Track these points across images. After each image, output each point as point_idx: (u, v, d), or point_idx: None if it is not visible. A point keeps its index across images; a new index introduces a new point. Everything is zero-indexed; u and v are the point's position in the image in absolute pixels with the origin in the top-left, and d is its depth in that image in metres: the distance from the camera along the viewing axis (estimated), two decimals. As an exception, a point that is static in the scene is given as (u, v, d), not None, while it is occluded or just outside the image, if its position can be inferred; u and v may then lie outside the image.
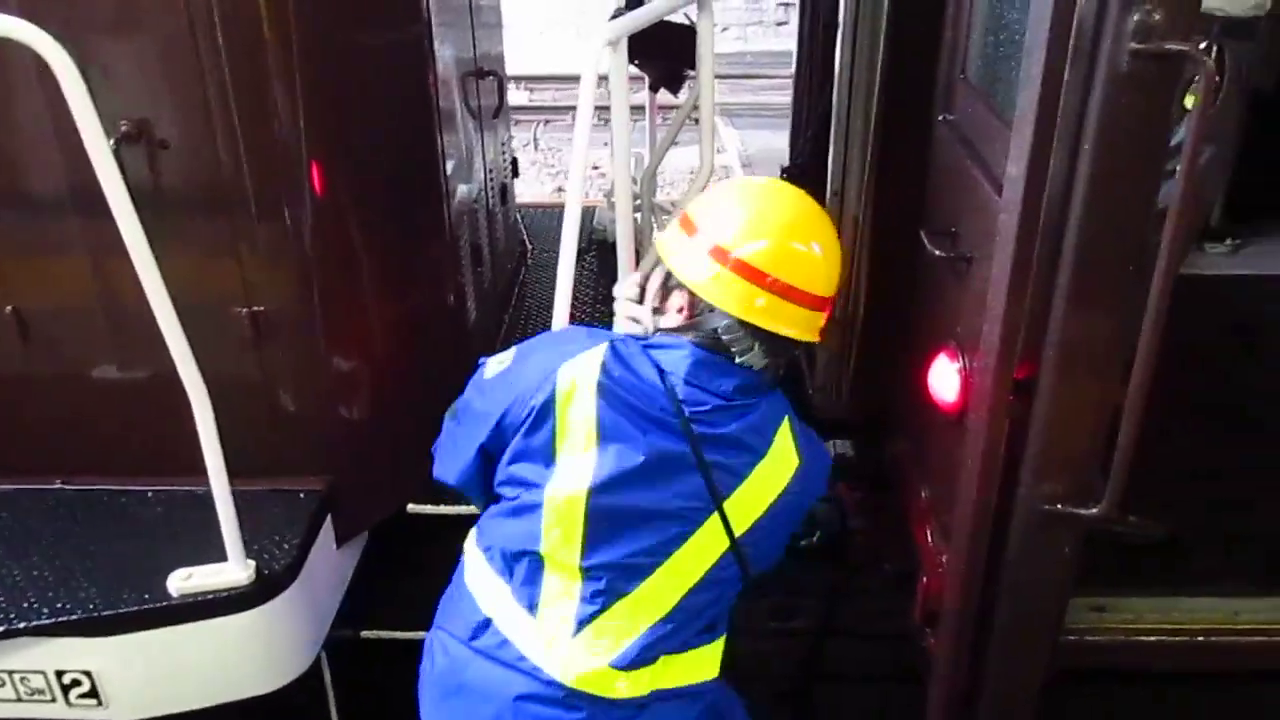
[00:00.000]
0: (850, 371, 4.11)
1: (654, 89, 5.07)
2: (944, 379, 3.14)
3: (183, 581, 2.95)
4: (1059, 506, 2.69)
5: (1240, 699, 3.28)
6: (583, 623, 2.36)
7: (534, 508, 2.33)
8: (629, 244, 3.04)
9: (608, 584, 2.34)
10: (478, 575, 2.51)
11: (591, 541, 2.31)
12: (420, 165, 3.55)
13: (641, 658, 2.38)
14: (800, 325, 2.40)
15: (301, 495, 3.29)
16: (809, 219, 2.45)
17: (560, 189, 11.04)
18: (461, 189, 3.96)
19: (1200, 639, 3.21)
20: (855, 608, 4.64)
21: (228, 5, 2.74)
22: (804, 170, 4.81)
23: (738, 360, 2.35)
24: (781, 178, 4.95)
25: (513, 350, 2.51)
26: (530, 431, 2.32)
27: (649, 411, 2.28)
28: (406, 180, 3.47)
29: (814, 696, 4.62)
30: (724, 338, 2.33)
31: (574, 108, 5.25)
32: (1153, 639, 3.22)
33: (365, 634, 3.69)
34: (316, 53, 2.90)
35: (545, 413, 2.30)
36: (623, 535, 2.31)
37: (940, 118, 3.52)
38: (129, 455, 3.34)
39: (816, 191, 4.15)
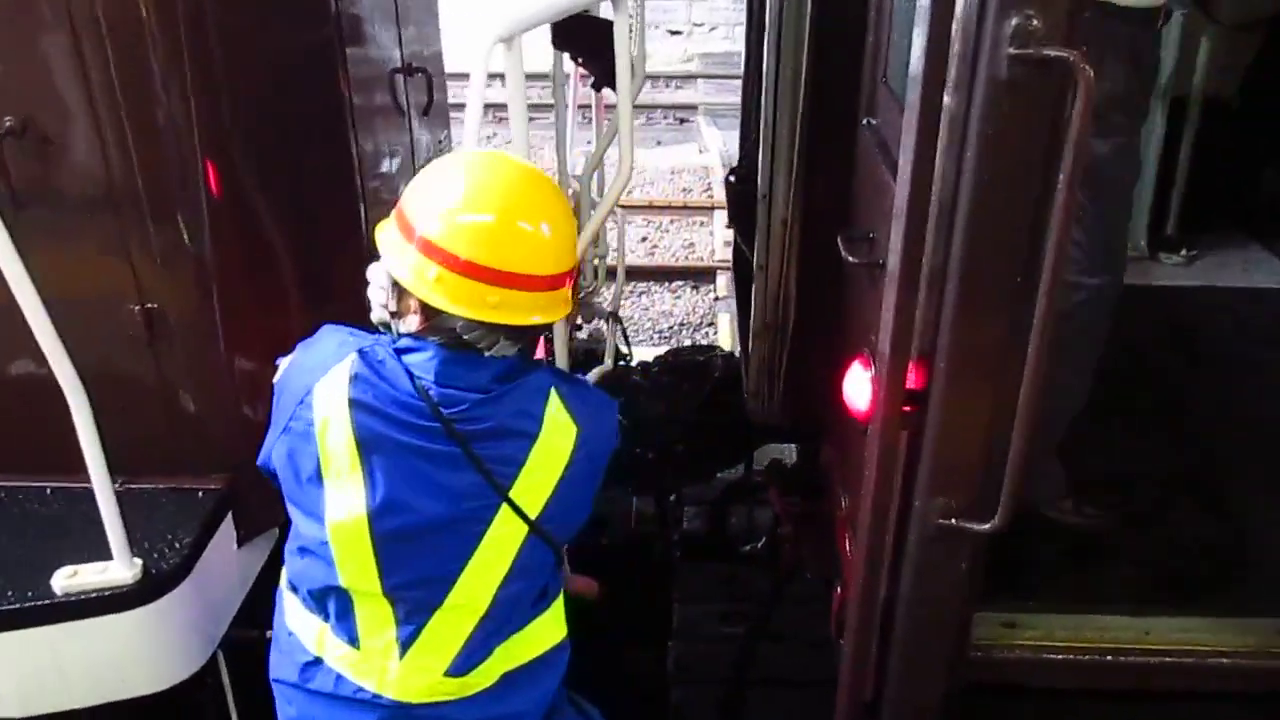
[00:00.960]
0: (781, 377, 4.05)
1: (597, 89, 5.02)
2: (857, 387, 3.09)
3: (67, 580, 2.91)
4: (953, 521, 2.64)
5: (1150, 717, 3.22)
6: (406, 644, 2.32)
7: (322, 544, 2.27)
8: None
9: (416, 602, 2.30)
10: (296, 616, 2.46)
11: (387, 565, 2.24)
12: (333, 166, 3.51)
13: (475, 659, 2.37)
14: (542, 309, 2.25)
15: (200, 494, 3.24)
16: (525, 194, 2.24)
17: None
18: (385, 186, 3.91)
19: (1110, 658, 3.16)
20: (796, 614, 4.60)
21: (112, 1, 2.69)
22: (749, 174, 4.77)
23: (486, 354, 2.25)
24: (727, 182, 4.92)
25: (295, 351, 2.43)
26: (297, 469, 2.27)
27: (408, 420, 2.19)
28: (318, 181, 3.42)
29: (748, 701, 4.57)
30: (465, 336, 2.23)
31: (549, 105, 5.23)
32: (1061, 656, 3.17)
33: (270, 633, 3.63)
34: (209, 51, 2.85)
35: (306, 440, 2.24)
36: (416, 551, 2.24)
37: (864, 122, 3.48)
38: (28, 451, 3.29)
39: (754, 195, 4.12)
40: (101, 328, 3.02)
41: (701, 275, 10.09)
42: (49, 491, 3.29)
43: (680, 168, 12.44)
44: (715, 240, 10.70)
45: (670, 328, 9.25)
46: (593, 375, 4.02)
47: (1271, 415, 4.10)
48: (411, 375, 2.20)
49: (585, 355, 4.87)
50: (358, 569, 2.25)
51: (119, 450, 2.86)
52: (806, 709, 4.68)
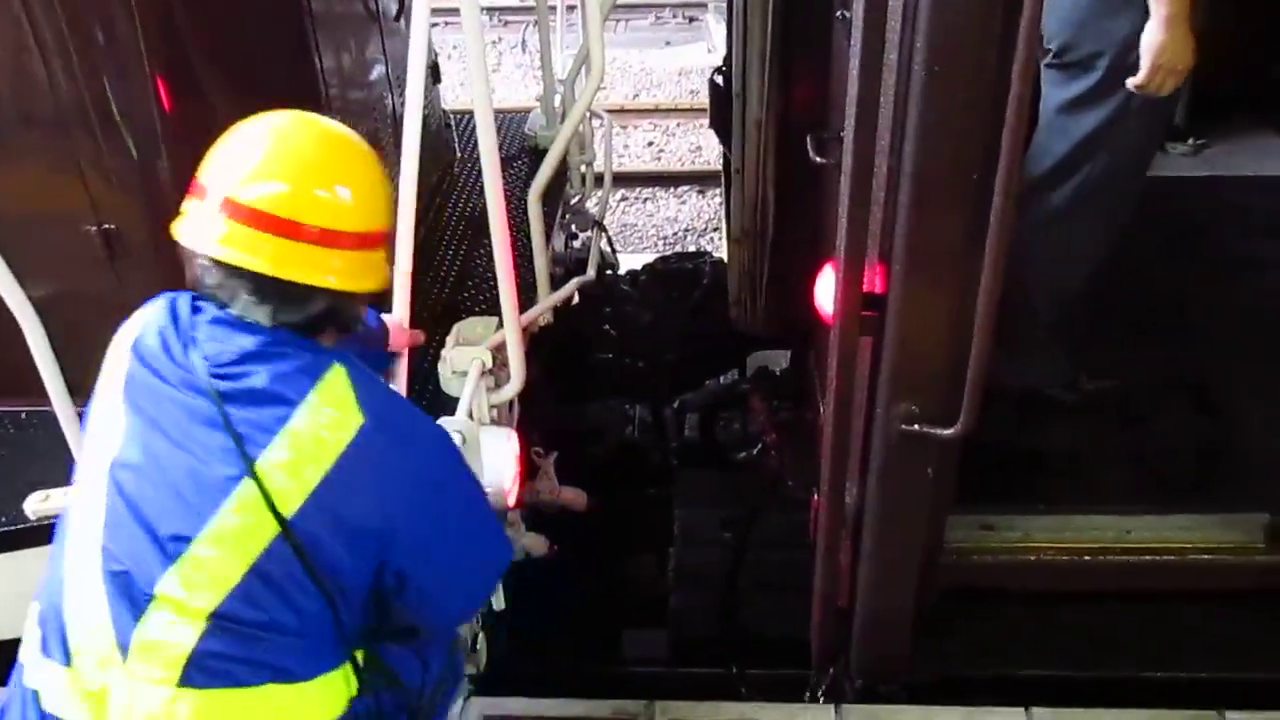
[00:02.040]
0: (762, 285, 3.98)
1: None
2: (828, 292, 3.02)
3: (39, 504, 2.93)
4: (916, 427, 2.60)
5: (1130, 618, 3.21)
6: (126, 648, 1.91)
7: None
8: (491, 145, 2.90)
9: (127, 585, 1.91)
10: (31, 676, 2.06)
11: (111, 521, 1.95)
12: (293, 74, 3.42)
13: (202, 673, 1.92)
14: (337, 271, 2.05)
15: (171, 415, 3.24)
16: (322, 159, 2.12)
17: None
18: (353, 96, 3.82)
19: (1088, 558, 3.14)
20: (793, 520, 4.60)
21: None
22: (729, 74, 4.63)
23: (243, 316, 2.03)
24: (710, 80, 4.78)
25: None
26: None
27: (174, 368, 2.00)
28: (277, 89, 3.32)
29: (746, 606, 4.60)
30: (208, 281, 2.06)
31: (572, 7, 5.06)
32: (1039, 558, 3.16)
33: None
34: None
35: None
36: (146, 503, 1.94)
37: (839, 14, 3.34)
38: (4, 375, 3.30)
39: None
40: (61, 250, 3.00)
41: (708, 180, 9.89)
42: (23, 415, 3.30)
43: (688, 69, 12.15)
44: (724, 143, 10.50)
45: (675, 234, 9.13)
46: (570, 285, 3.95)
47: (1272, 313, 4.00)
48: (193, 325, 2.05)
49: (577, 265, 4.79)
50: (84, 524, 1.99)
51: (85, 372, 2.84)
52: (802, 613, 4.73)
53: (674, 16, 13.70)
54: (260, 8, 3.24)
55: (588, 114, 4.83)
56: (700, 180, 9.79)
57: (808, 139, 3.17)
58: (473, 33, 2.74)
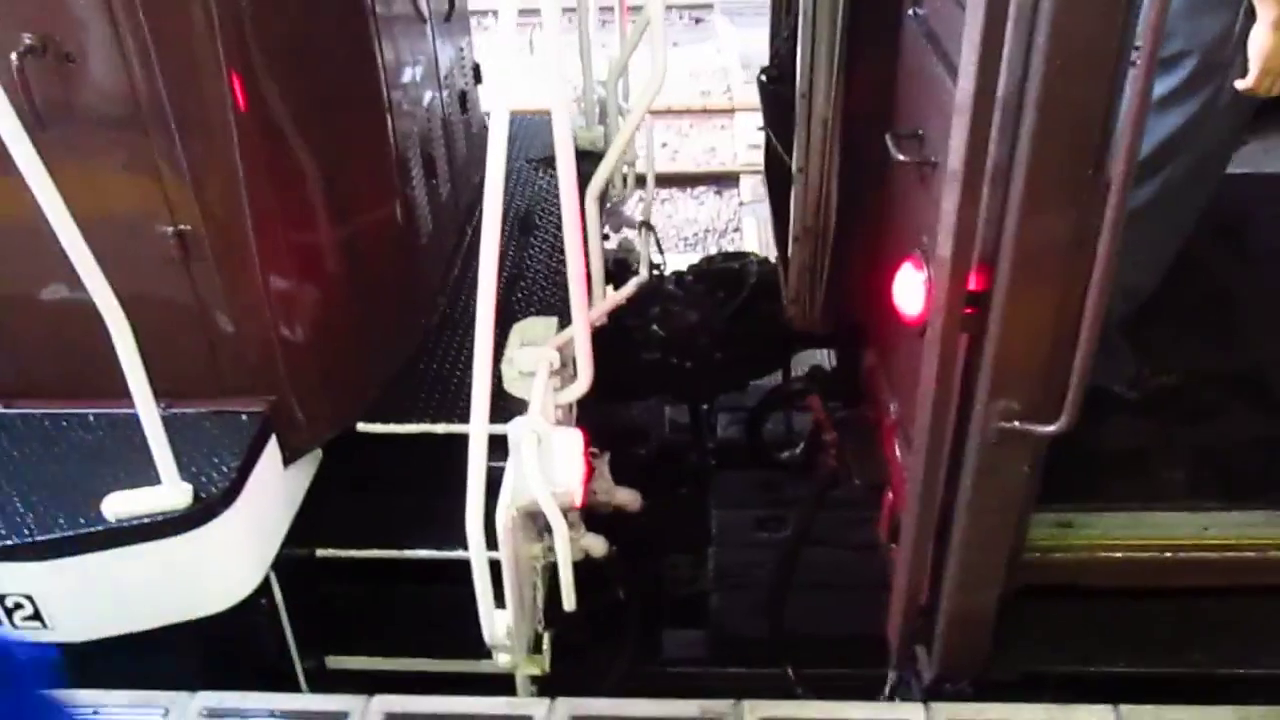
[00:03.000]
0: (823, 283, 3.96)
1: (622, -12, 4.85)
2: (908, 290, 3.01)
3: (117, 505, 2.89)
4: (1015, 424, 2.58)
5: (1209, 614, 3.20)
6: None
7: None
8: (568, 149, 2.89)
9: None
10: None
11: None
12: (358, 74, 3.39)
13: None
14: None
15: (244, 417, 3.22)
16: None
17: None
18: (410, 97, 3.79)
19: (1168, 555, 3.13)
20: (835, 518, 4.57)
21: (130, -95, 2.57)
22: (781, 73, 4.61)
23: None
24: (759, 82, 4.76)
25: None
26: None
27: None
28: (343, 90, 3.32)
29: (789, 605, 4.58)
30: None
31: (569, 9, 5.03)
32: (1119, 555, 3.15)
33: (320, 552, 3.65)
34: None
35: None
36: None
37: (910, 12, 3.32)
38: (70, 378, 3.27)
39: (791, 95, 3.98)
40: (136, 250, 2.96)
41: (724, 180, 9.90)
42: (91, 417, 3.26)
43: (698, 70, 12.13)
44: (737, 143, 10.46)
45: (695, 234, 9.12)
46: (630, 286, 3.92)
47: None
48: None
49: (616, 266, 4.77)
50: None
51: (159, 374, 2.82)
52: (848, 612, 4.71)
53: (680, 17, 13.69)
54: (328, 8, 3.21)
55: (627, 113, 4.80)
56: (717, 181, 9.78)
57: (886, 137, 3.15)
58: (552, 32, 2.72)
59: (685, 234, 9.13)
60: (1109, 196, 2.21)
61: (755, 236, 8.67)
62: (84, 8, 2.68)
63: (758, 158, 9.62)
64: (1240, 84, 2.82)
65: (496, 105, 2.64)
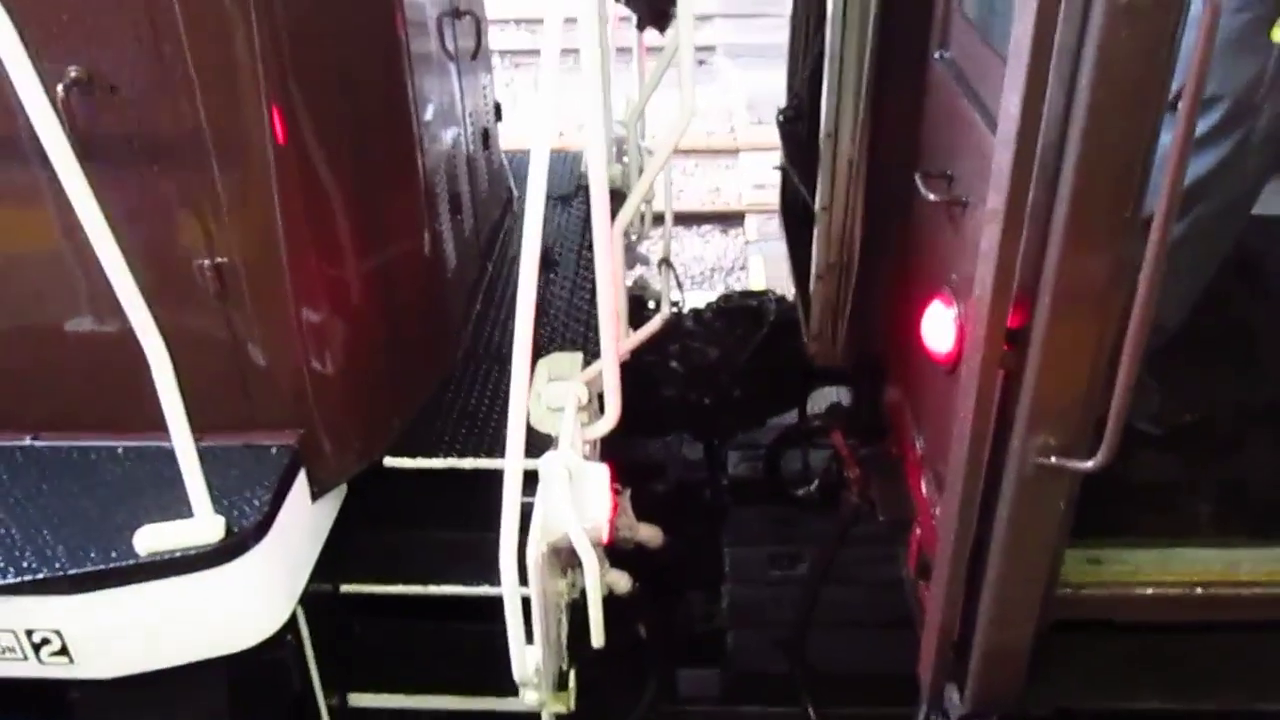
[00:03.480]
0: (845, 319, 3.99)
1: (640, 28, 4.91)
2: (938, 327, 3.04)
3: (149, 539, 2.87)
4: (1052, 460, 2.59)
5: (1241, 651, 3.19)
6: None
7: None
8: (603, 187, 2.91)
9: None
10: None
11: None
12: (391, 110, 3.43)
13: None
14: None
15: (274, 450, 3.21)
16: None
17: (561, 134, 10.85)
18: (438, 134, 3.82)
19: (1200, 591, 3.12)
20: (851, 555, 4.57)
21: (178, -55, 2.60)
22: (799, 113, 4.66)
23: None
24: (777, 120, 4.81)
25: None
26: None
27: None
28: (377, 126, 3.35)
29: (809, 643, 4.56)
30: None
31: (575, 50, 5.09)
32: (1150, 591, 3.14)
33: (345, 587, 3.63)
34: (271, -6, 2.76)
35: None
36: None
37: (936, 55, 3.38)
38: (99, 410, 3.26)
39: (811, 134, 4.02)
40: (172, 283, 2.97)
41: (730, 219, 9.96)
42: (120, 450, 3.25)
43: (703, 110, 12.25)
44: (741, 182, 10.54)
45: (701, 273, 9.16)
46: (656, 322, 3.92)
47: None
48: None
49: (632, 303, 4.80)
50: None
51: (190, 407, 2.81)
52: (869, 649, 4.69)
53: (678, 59, 13.81)
54: (367, 48, 3.25)
55: (646, 152, 4.85)
56: (723, 220, 9.84)
57: (916, 177, 3.19)
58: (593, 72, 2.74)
59: (692, 272, 9.17)
60: (1150, 234, 2.23)
61: (762, 274, 8.71)
62: (130, 40, 2.71)
63: (763, 196, 9.73)
64: None
65: (537, 142, 2.66)
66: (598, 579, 3.09)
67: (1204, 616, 3.18)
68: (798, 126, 4.63)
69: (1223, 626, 3.20)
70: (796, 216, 4.79)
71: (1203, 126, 3.05)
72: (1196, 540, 3.23)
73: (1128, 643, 3.24)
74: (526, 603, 3.05)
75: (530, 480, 3.06)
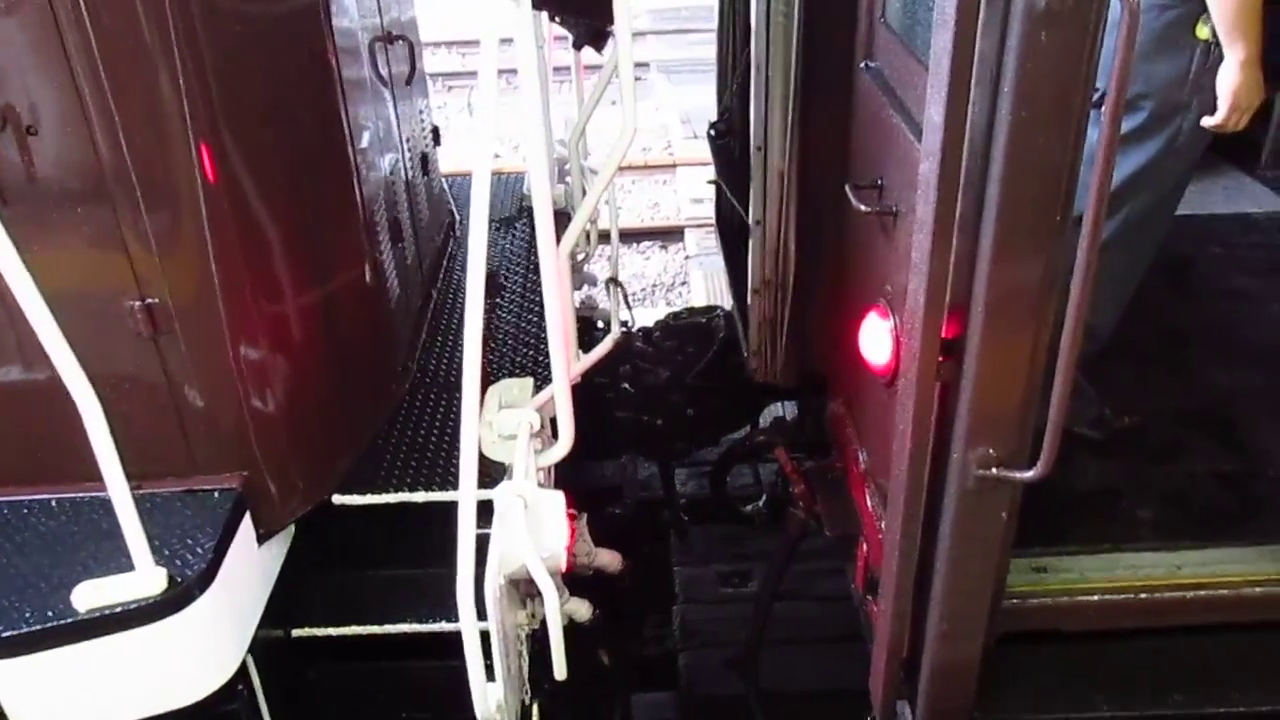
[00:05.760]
0: (784, 334, 3.99)
1: (578, 47, 4.91)
2: (875, 340, 3.04)
3: (89, 595, 2.79)
4: (993, 471, 2.61)
5: (1187, 654, 3.22)
6: None
7: None
8: (547, 209, 2.89)
9: None
10: None
11: None
12: (326, 140, 3.39)
13: None
14: None
15: (216, 494, 3.14)
16: None
17: (498, 155, 10.83)
18: (375, 161, 3.79)
19: (1144, 595, 3.16)
20: (801, 570, 4.57)
21: (94, -21, 2.54)
22: (730, 127, 4.68)
23: None
24: (709, 135, 4.83)
25: None
26: None
27: None
28: (311, 156, 3.30)
29: (762, 661, 4.56)
30: None
31: (511, 71, 5.08)
32: (1096, 598, 3.17)
33: (297, 632, 3.56)
34: (197, 27, 2.71)
35: None
36: None
37: (862, 65, 3.40)
38: (30, 462, 3.17)
39: (742, 148, 4.03)
40: (101, 326, 2.89)
41: (669, 234, 10.00)
42: (53, 503, 3.16)
43: (638, 127, 12.28)
44: (679, 198, 10.59)
45: (644, 289, 9.17)
46: (606, 344, 3.90)
47: (1271, 345, 4.12)
48: None
49: (581, 324, 4.79)
50: None
51: (127, 454, 2.73)
52: (824, 666, 4.70)
53: (616, 76, 13.86)
54: (298, 78, 3.21)
55: (589, 171, 4.84)
56: (662, 235, 9.86)
57: (846, 188, 3.21)
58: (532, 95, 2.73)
59: (634, 289, 9.17)
60: (1082, 236, 2.26)
61: (703, 289, 8.74)
62: (47, 79, 2.64)
63: (701, 211, 9.78)
64: (1208, 120, 2.94)
65: (478, 165, 2.63)
66: (558, 609, 3.05)
67: (1150, 622, 3.21)
68: (729, 141, 4.64)
69: (1168, 631, 3.24)
70: (732, 232, 4.81)
71: (1130, 126, 3.11)
72: (1139, 545, 3.27)
73: (1076, 651, 3.27)
74: (486, 637, 3.01)
75: (485, 510, 3.02)
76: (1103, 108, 3.20)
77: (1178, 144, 3.07)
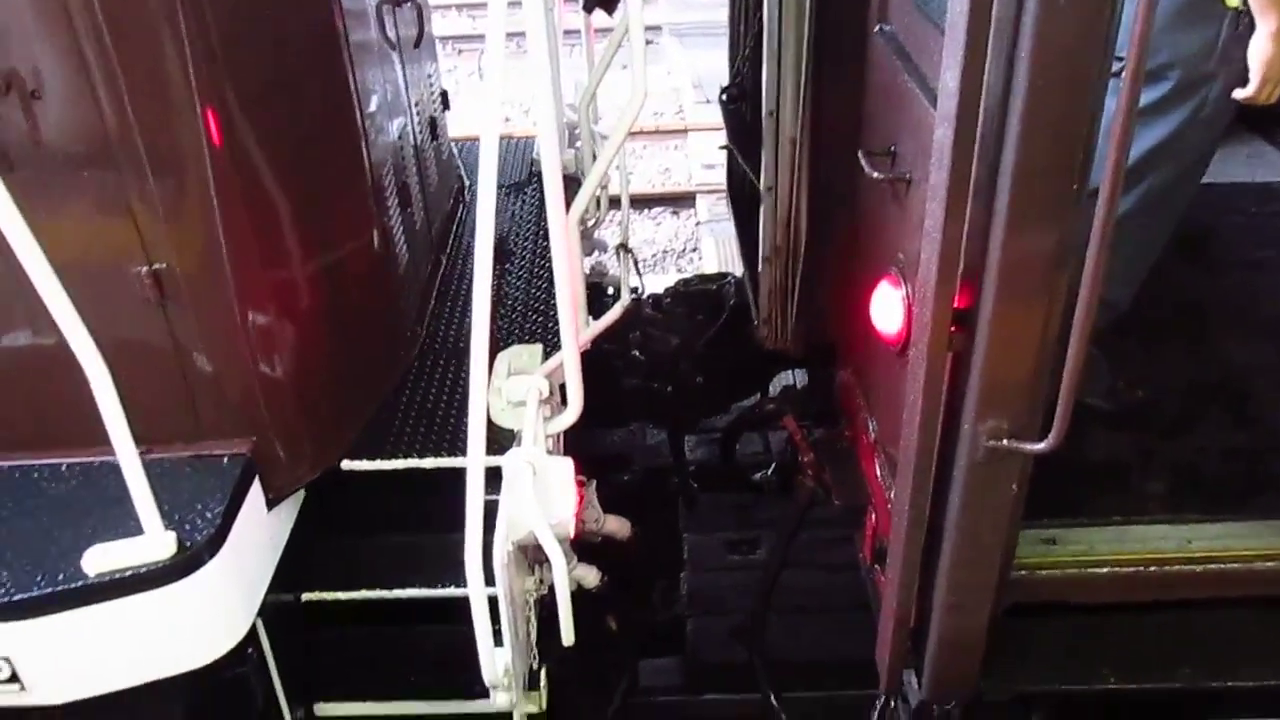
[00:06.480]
0: (795, 302, 3.96)
1: (588, 10, 4.86)
2: (886, 309, 3.02)
3: (99, 559, 2.81)
4: (1004, 442, 2.59)
5: (1195, 628, 3.21)
6: None
7: None
8: (557, 175, 2.87)
9: None
10: None
11: None
12: (333, 104, 3.37)
13: None
14: None
15: (225, 460, 3.15)
16: None
17: (508, 120, 10.76)
18: (383, 126, 3.76)
19: (1154, 569, 3.13)
20: (809, 539, 4.57)
21: (98, -60, 2.51)
22: (742, 92, 4.63)
23: None
24: (720, 100, 4.78)
25: None
26: None
27: None
28: (318, 121, 3.29)
29: (769, 629, 4.57)
30: None
31: (521, 34, 5.03)
32: (1105, 571, 3.14)
33: (306, 596, 3.58)
34: (200, -11, 2.68)
35: None
36: None
37: (876, 29, 3.35)
38: (41, 427, 3.18)
39: (754, 113, 3.99)
40: (109, 292, 2.90)
41: (681, 200, 9.95)
42: (64, 468, 3.18)
43: (650, 91, 12.18)
44: (691, 163, 10.52)
45: (654, 255, 9.13)
46: (616, 310, 3.88)
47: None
48: None
49: (591, 290, 4.76)
50: None
51: (136, 420, 2.74)
52: (827, 634, 4.71)
53: (628, 39, 13.73)
54: (304, 42, 3.18)
55: (599, 136, 4.80)
56: (673, 201, 9.81)
57: (859, 154, 3.17)
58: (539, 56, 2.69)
59: (644, 255, 9.14)
60: (1098, 207, 2.22)
61: (714, 256, 8.70)
62: (50, 43, 2.62)
63: (713, 177, 9.71)
64: (1240, 93, 2.88)
65: (486, 130, 2.60)
66: (566, 576, 3.06)
67: (1158, 595, 3.19)
68: (741, 106, 4.60)
69: (1177, 604, 3.22)
70: (743, 198, 4.77)
71: (1154, 96, 3.05)
72: (1149, 518, 3.24)
73: (1084, 624, 3.26)
74: (494, 603, 3.02)
75: (493, 477, 3.02)
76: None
77: (1202, 116, 3.01)
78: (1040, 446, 2.54)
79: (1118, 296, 3.45)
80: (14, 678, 2.89)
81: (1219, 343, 4.01)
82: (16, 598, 2.80)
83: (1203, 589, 3.17)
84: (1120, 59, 3.16)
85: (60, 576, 2.83)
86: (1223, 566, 3.13)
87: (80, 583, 2.81)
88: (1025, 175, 2.28)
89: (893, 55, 3.12)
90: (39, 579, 2.83)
